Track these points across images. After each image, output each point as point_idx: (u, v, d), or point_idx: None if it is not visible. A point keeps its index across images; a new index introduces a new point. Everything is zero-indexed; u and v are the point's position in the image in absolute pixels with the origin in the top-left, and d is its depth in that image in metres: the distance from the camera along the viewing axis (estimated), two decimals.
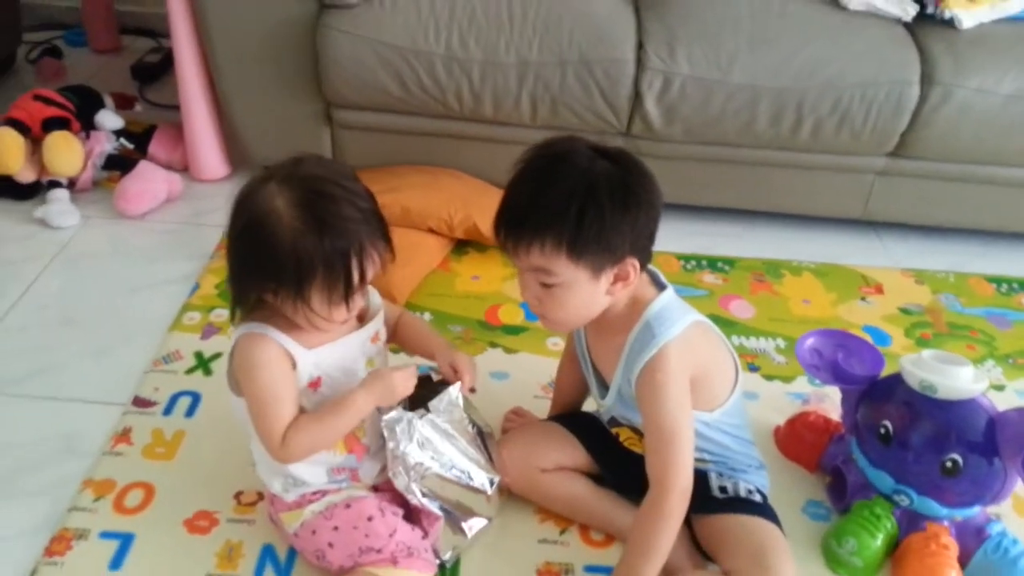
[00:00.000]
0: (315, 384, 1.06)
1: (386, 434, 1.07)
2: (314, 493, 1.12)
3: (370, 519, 1.09)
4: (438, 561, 1.15)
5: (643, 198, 1.02)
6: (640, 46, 1.82)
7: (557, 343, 1.64)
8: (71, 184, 1.95)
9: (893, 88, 1.78)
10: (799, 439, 1.40)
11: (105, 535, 1.21)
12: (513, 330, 1.67)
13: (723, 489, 1.20)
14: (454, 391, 1.14)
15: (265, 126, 1.95)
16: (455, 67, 1.80)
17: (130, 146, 2.07)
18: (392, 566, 1.07)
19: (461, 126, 1.91)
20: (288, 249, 0.94)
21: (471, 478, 1.14)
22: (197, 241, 1.87)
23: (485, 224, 1.80)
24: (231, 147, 2.07)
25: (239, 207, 0.98)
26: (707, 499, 1.18)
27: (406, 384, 1.07)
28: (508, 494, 1.26)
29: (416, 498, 1.10)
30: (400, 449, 1.07)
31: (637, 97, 1.83)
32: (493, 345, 1.62)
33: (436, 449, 1.10)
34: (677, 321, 1.09)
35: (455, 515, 1.15)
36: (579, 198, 0.98)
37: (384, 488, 1.17)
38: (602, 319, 1.11)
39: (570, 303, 1.06)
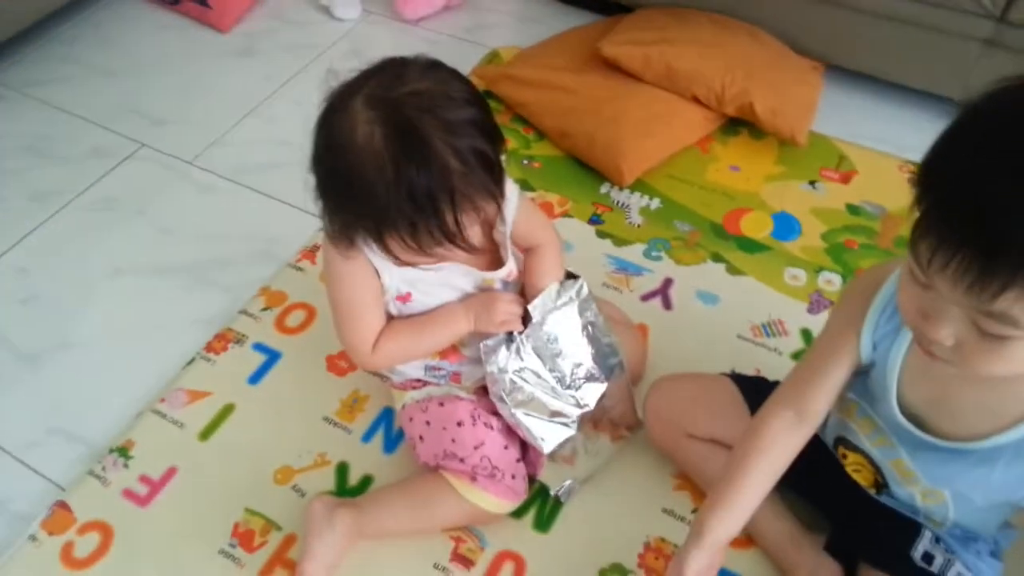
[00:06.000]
0: (404, 298, 0.94)
1: (484, 358, 0.94)
2: (416, 380, 1.05)
3: (459, 424, 0.99)
4: (554, 492, 1.05)
5: None
6: None
7: (797, 276, 1.32)
8: None
9: None
10: None
11: (257, 347, 1.25)
12: (749, 245, 1.37)
13: (927, 557, 0.88)
14: (568, 290, 0.98)
15: None
16: None
17: None
18: (470, 482, 0.98)
19: None
20: (369, 189, 0.78)
21: (576, 401, 0.99)
22: (458, 59, 1.69)
23: (763, 104, 1.46)
24: None
25: (322, 121, 0.82)
26: (900, 558, 0.89)
27: (509, 318, 0.94)
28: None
29: (517, 425, 0.97)
30: (497, 372, 0.95)
31: None
32: (716, 258, 1.35)
33: (535, 372, 0.96)
34: None
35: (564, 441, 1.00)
36: None
37: None
38: None
39: (1019, 359, 0.69)
